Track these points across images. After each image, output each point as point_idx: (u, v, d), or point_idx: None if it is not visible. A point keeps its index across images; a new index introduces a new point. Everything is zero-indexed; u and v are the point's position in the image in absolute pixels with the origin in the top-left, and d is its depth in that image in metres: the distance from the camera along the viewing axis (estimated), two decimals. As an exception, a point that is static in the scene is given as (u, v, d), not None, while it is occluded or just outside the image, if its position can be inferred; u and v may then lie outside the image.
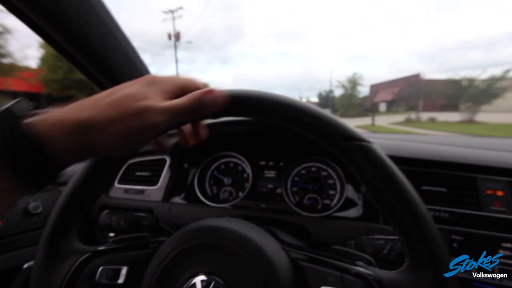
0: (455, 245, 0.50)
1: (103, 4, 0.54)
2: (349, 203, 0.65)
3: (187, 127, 0.35)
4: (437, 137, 0.87)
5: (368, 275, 0.27)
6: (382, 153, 0.27)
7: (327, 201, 0.69)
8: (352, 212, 0.63)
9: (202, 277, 0.27)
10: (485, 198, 0.52)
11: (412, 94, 34.51)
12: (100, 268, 0.32)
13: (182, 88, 0.29)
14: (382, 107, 39.06)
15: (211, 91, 0.27)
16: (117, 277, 0.31)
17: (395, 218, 0.26)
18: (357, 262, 0.30)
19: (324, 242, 0.56)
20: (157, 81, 0.27)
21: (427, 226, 0.25)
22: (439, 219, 0.53)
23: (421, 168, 0.57)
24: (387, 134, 0.89)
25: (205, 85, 0.30)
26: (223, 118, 0.32)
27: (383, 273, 0.27)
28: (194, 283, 0.27)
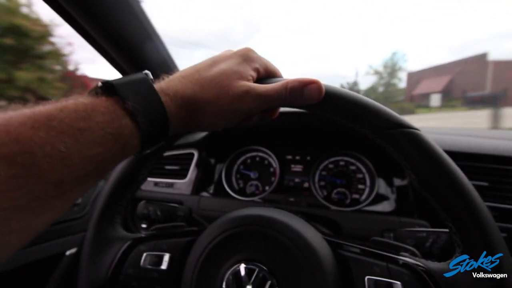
0: None
1: None
2: (380, 198, 0.64)
3: None
4: (477, 130, 0.83)
5: (416, 266, 0.26)
6: (431, 140, 0.26)
7: (356, 196, 0.68)
8: (384, 207, 0.61)
9: (246, 264, 0.27)
10: None
11: (476, 83, 24.54)
12: (144, 254, 0.33)
13: (270, 72, 0.31)
14: (435, 100, 25.30)
15: (315, 82, 0.27)
16: (161, 263, 0.33)
17: (447, 208, 0.25)
18: (402, 253, 0.29)
19: (356, 235, 0.55)
20: (252, 58, 0.29)
21: (482, 214, 0.24)
22: None
23: (460, 161, 0.54)
24: (423, 127, 0.86)
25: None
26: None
27: (432, 264, 0.26)
28: (239, 270, 0.27)
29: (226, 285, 0.27)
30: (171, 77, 0.27)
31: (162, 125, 0.24)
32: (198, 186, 0.74)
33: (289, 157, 0.77)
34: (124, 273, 0.33)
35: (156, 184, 0.77)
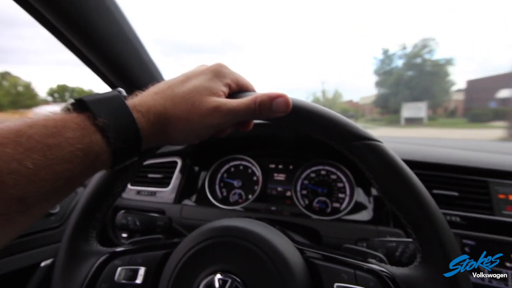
0: (466, 249, 0.50)
1: (117, 5, 0.56)
2: (359, 207, 0.66)
3: None
4: (448, 141, 0.86)
5: (381, 272, 0.27)
6: (392, 152, 0.28)
7: (336, 205, 0.69)
8: (362, 216, 0.63)
9: (219, 275, 0.28)
10: (498, 202, 0.52)
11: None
12: (119, 269, 0.33)
13: (242, 86, 0.31)
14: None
15: (283, 96, 0.28)
16: (135, 277, 0.32)
17: (406, 215, 0.26)
18: (370, 260, 0.30)
19: (334, 244, 0.56)
20: (223, 74, 0.30)
21: (439, 222, 0.25)
22: (450, 223, 0.52)
23: (432, 171, 0.57)
24: (396, 138, 0.89)
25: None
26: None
27: (395, 270, 0.28)
28: (212, 282, 0.27)
29: None
30: (144, 93, 0.28)
31: (133, 140, 0.24)
32: (181, 194, 0.73)
33: (272, 165, 0.78)
34: None
35: (138, 192, 0.77)
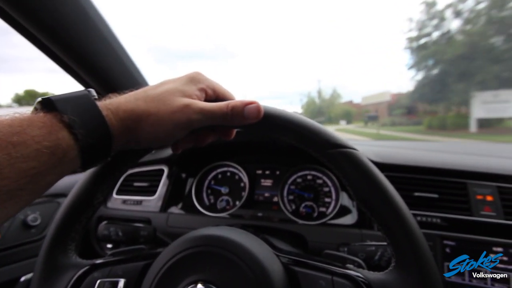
0: (447, 250, 0.51)
1: (96, 11, 0.56)
2: (344, 211, 0.66)
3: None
4: (428, 144, 0.88)
5: (356, 277, 0.28)
6: (366, 159, 0.28)
7: (323, 209, 0.70)
8: (347, 219, 0.64)
9: (200, 286, 0.27)
10: (476, 203, 0.53)
11: None
12: (98, 282, 0.32)
13: (219, 94, 0.32)
14: None
15: (254, 102, 0.29)
16: None
17: (380, 220, 0.27)
18: (347, 265, 0.31)
19: (319, 249, 0.56)
20: (198, 79, 0.30)
21: (410, 227, 0.26)
22: (431, 225, 0.54)
23: (413, 174, 0.59)
24: (380, 141, 0.91)
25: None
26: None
27: (371, 275, 0.28)
28: None
29: None
30: (118, 95, 0.28)
31: (103, 137, 0.24)
32: (168, 202, 0.73)
33: (259, 171, 0.78)
34: None
35: (124, 201, 0.76)
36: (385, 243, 0.39)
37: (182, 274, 0.29)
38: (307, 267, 0.30)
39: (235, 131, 0.36)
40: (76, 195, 0.34)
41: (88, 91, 0.26)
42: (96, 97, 0.26)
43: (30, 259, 0.64)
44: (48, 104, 0.23)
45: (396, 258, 0.27)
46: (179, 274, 0.29)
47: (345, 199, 0.68)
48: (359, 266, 0.32)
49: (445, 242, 0.52)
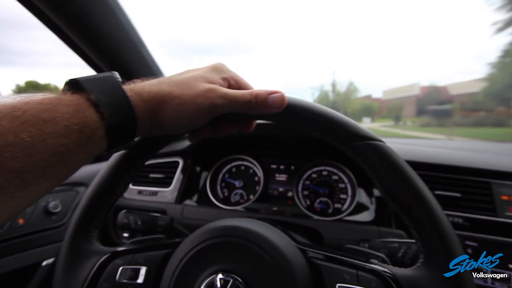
0: (469, 251, 0.50)
1: (118, 3, 0.56)
2: (361, 207, 0.65)
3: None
4: (451, 142, 0.86)
5: (383, 272, 0.27)
6: (395, 152, 0.28)
7: (338, 205, 0.69)
8: (364, 216, 0.63)
9: (221, 275, 0.28)
10: (501, 204, 0.52)
11: None
12: (120, 268, 0.33)
13: (241, 85, 0.32)
14: None
15: (279, 92, 0.29)
16: (137, 277, 0.32)
17: (409, 215, 0.26)
18: (372, 260, 0.30)
19: (336, 245, 0.56)
20: (221, 69, 0.31)
21: (442, 222, 0.25)
22: (453, 225, 0.52)
23: (435, 172, 0.57)
24: (401, 139, 0.89)
25: None
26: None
27: (398, 270, 0.28)
28: (213, 282, 0.27)
29: None
30: (141, 81, 0.28)
31: (127, 117, 0.25)
32: (183, 194, 0.73)
33: (274, 166, 0.78)
34: None
35: (140, 192, 0.77)
36: (408, 240, 0.39)
37: (203, 264, 0.29)
38: (330, 261, 0.30)
39: (255, 122, 0.36)
40: (100, 184, 0.34)
41: (112, 73, 0.26)
42: (120, 79, 0.26)
43: (51, 244, 0.66)
44: (75, 84, 0.23)
45: (425, 254, 0.26)
46: (201, 264, 0.29)
47: (362, 196, 0.67)
48: (383, 261, 0.32)
49: (467, 242, 0.50)
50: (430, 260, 0.26)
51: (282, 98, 0.29)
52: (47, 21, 0.52)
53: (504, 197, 0.52)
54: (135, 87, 0.26)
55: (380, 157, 0.27)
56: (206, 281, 0.28)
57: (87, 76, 0.24)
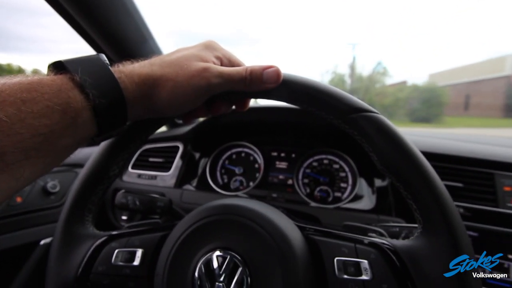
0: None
1: None
2: (361, 197, 0.65)
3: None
4: (454, 133, 0.85)
5: (382, 244, 0.27)
6: (390, 123, 0.27)
7: (338, 194, 0.69)
8: (364, 205, 0.63)
9: (218, 252, 0.27)
10: (503, 195, 0.51)
11: None
12: (116, 251, 0.32)
13: (234, 63, 0.31)
14: None
15: (273, 66, 0.28)
16: (133, 259, 0.32)
17: (406, 185, 0.26)
18: (370, 234, 0.30)
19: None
20: (214, 47, 0.30)
21: (439, 191, 0.25)
22: None
23: (438, 162, 0.56)
24: (403, 128, 0.88)
25: None
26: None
27: (397, 242, 0.27)
28: (211, 259, 0.27)
29: (198, 274, 0.27)
30: (132, 63, 0.27)
31: (116, 99, 0.24)
32: (182, 179, 0.73)
33: (275, 153, 0.77)
34: (95, 271, 0.32)
35: (139, 176, 0.77)
36: (410, 225, 0.38)
37: (200, 242, 0.29)
38: (328, 236, 0.30)
39: (249, 101, 0.35)
40: (92, 167, 0.33)
41: (99, 55, 0.25)
42: (107, 61, 0.25)
43: (49, 224, 0.66)
44: (59, 66, 0.23)
45: (424, 223, 0.26)
46: (197, 242, 0.29)
47: (362, 186, 0.66)
48: (381, 235, 0.31)
49: (468, 232, 0.50)
50: (429, 228, 0.25)
51: (277, 72, 0.28)
52: (56, 6, 0.51)
53: (507, 188, 0.51)
54: (125, 69, 0.25)
55: (376, 128, 0.26)
56: (203, 258, 0.27)
57: (72, 58, 0.23)
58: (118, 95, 0.23)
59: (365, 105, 0.28)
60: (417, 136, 0.68)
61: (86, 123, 0.22)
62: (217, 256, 0.27)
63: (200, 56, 0.28)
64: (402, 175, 0.26)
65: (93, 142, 0.26)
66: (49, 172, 0.23)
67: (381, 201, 0.61)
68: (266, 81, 0.28)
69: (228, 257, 0.27)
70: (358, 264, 0.26)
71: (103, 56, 0.25)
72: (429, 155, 0.58)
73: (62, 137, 0.21)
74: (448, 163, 0.56)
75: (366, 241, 0.28)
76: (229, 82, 0.27)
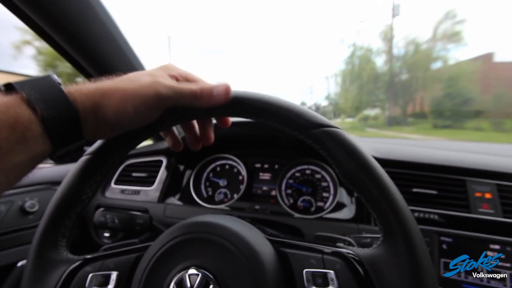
0: (444, 246, 0.51)
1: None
2: (342, 206, 0.66)
3: (195, 127, 0.38)
4: (427, 141, 0.88)
5: (347, 254, 0.28)
6: (350, 136, 0.28)
7: (320, 204, 0.70)
8: (345, 214, 0.64)
9: (191, 271, 0.27)
10: (474, 200, 0.53)
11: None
12: (90, 275, 0.32)
13: (192, 80, 0.32)
14: None
15: (224, 84, 0.29)
16: (107, 283, 0.31)
17: (366, 195, 0.27)
18: (338, 244, 0.31)
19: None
20: (169, 68, 0.31)
21: (394, 198, 0.26)
22: (429, 221, 0.53)
23: (412, 170, 0.58)
24: (379, 138, 0.91)
25: None
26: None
27: (361, 251, 0.28)
28: (183, 278, 0.27)
29: None
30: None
31: (66, 111, 0.24)
32: (166, 193, 0.73)
33: (258, 165, 0.78)
34: None
35: (122, 191, 0.76)
36: (377, 235, 0.39)
37: (173, 261, 0.29)
38: (297, 248, 0.30)
39: (229, 119, 0.36)
40: (64, 191, 0.33)
41: (50, 74, 0.26)
42: (58, 80, 0.26)
43: (27, 244, 0.64)
44: (8, 87, 0.23)
45: (383, 231, 0.27)
46: (170, 261, 0.29)
47: (343, 195, 0.68)
48: (349, 244, 0.32)
49: (442, 238, 0.51)
50: (388, 236, 0.26)
51: (226, 88, 0.29)
52: (29, 23, 0.51)
53: (478, 194, 0.54)
54: (74, 84, 0.26)
55: (335, 142, 0.28)
56: (176, 277, 0.27)
57: (22, 80, 0.24)
58: (67, 107, 0.24)
59: (325, 120, 0.29)
60: (391, 144, 0.71)
61: (36, 138, 0.22)
62: (189, 275, 0.27)
63: (153, 74, 0.28)
64: (361, 186, 0.27)
65: (53, 159, 0.26)
66: (1, 193, 0.23)
67: (360, 210, 0.62)
68: (215, 96, 0.29)
69: (200, 275, 0.27)
70: (325, 274, 0.27)
71: (54, 76, 0.26)
72: (403, 164, 0.60)
73: (12, 153, 0.21)
74: (422, 170, 0.58)
75: (331, 251, 0.29)
76: (179, 95, 0.28)
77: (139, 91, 0.27)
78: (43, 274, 0.32)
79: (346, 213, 0.64)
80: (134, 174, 0.77)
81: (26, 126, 0.22)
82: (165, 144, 0.79)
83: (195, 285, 0.27)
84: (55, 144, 0.24)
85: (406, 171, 0.58)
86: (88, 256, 0.34)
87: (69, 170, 0.34)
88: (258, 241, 0.30)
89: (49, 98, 0.23)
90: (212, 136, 0.37)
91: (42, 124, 0.22)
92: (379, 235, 0.39)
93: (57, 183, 0.71)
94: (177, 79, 0.30)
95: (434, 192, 0.56)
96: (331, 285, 0.26)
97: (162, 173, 0.75)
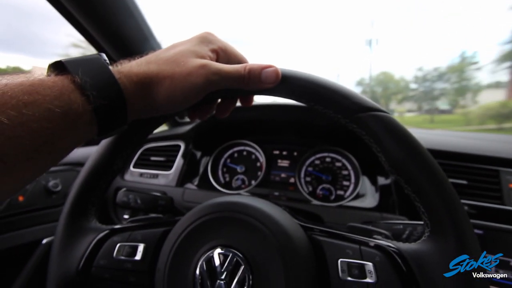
0: None
1: None
2: (363, 195, 0.64)
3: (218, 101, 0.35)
4: (458, 131, 0.85)
5: (387, 247, 0.26)
6: (400, 123, 0.26)
7: (340, 192, 0.68)
8: (367, 203, 0.62)
9: (220, 250, 0.27)
10: (508, 192, 0.50)
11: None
12: (118, 245, 0.32)
13: (231, 55, 0.30)
14: None
15: (272, 66, 0.28)
16: (135, 254, 0.32)
17: (414, 186, 0.25)
18: (375, 236, 0.29)
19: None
20: (209, 40, 0.29)
21: (448, 193, 0.24)
22: None
23: (441, 160, 0.56)
24: (409, 127, 0.88)
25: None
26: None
27: (402, 245, 0.27)
28: (212, 256, 0.27)
29: (200, 272, 0.27)
30: (129, 61, 0.27)
31: (116, 99, 0.23)
32: (183, 178, 0.73)
33: (276, 152, 0.77)
34: (96, 264, 0.32)
35: (141, 175, 0.76)
36: (414, 222, 0.38)
37: (202, 239, 0.28)
38: (332, 236, 0.29)
39: (253, 97, 0.35)
40: (96, 161, 0.33)
41: (100, 54, 0.25)
42: (108, 61, 0.25)
43: (51, 223, 0.66)
44: (59, 66, 0.22)
45: (432, 226, 0.25)
46: (199, 239, 0.28)
47: (365, 184, 0.66)
48: (387, 237, 0.31)
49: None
50: (437, 232, 0.25)
51: (276, 72, 0.27)
52: (57, 4, 0.51)
53: None
54: (123, 69, 0.25)
55: (385, 127, 0.26)
56: (205, 256, 0.27)
57: (72, 58, 0.23)
58: (118, 96, 0.23)
59: (374, 104, 0.27)
60: (421, 133, 0.68)
61: (86, 125, 0.22)
62: (219, 254, 0.27)
63: (196, 51, 0.27)
64: (410, 177, 0.25)
65: (93, 141, 0.26)
66: (43, 172, 0.23)
67: (384, 199, 0.60)
68: (264, 81, 0.27)
69: (230, 255, 0.26)
70: (362, 266, 0.26)
71: (104, 56, 0.25)
72: (433, 152, 0.57)
73: (63, 139, 0.21)
74: (452, 160, 0.56)
75: (371, 244, 0.27)
76: (227, 80, 0.27)
77: (188, 78, 0.26)
78: (73, 240, 0.33)
79: (369, 201, 0.62)
80: (153, 158, 0.78)
81: (78, 114, 0.21)
82: (182, 129, 0.79)
83: (225, 265, 0.26)
84: (101, 130, 0.24)
85: (436, 160, 0.56)
86: (117, 226, 0.34)
87: (89, 152, 0.34)
88: (291, 225, 0.29)
89: (102, 85, 0.23)
90: (253, 99, 0.35)
91: (93, 113, 0.22)
92: (413, 222, 0.38)
93: (79, 164, 0.72)
94: (217, 54, 0.29)
95: (465, 182, 0.53)
96: (368, 278, 0.25)
97: (180, 158, 0.75)
